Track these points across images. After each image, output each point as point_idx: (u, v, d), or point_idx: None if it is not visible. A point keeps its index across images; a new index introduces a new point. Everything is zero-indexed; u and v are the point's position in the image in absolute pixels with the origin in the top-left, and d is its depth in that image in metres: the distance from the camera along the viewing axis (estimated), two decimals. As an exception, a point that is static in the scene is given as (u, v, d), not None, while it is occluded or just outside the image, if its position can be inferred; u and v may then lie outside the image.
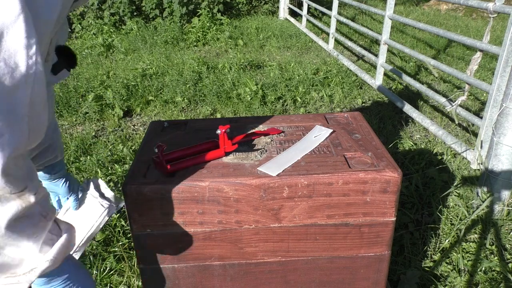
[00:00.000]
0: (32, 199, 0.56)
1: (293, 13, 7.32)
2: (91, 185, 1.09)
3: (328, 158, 0.92)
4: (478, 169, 2.25)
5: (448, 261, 1.77)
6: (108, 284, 1.65)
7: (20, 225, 0.56)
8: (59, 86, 3.71)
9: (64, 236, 0.64)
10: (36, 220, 0.58)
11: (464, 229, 1.87)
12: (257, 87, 3.66)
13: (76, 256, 0.99)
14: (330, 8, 5.26)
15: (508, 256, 1.77)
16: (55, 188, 1.04)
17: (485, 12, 2.58)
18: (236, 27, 6.33)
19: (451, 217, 2.00)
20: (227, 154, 0.94)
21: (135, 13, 6.64)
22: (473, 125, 2.88)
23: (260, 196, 0.85)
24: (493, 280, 1.65)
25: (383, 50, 3.67)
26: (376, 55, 3.88)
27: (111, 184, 2.14)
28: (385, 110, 3.29)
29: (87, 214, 1.05)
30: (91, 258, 1.73)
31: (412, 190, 2.19)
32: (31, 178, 0.57)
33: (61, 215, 1.06)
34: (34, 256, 0.59)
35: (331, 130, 1.03)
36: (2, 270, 0.58)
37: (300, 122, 1.12)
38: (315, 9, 6.40)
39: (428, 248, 1.84)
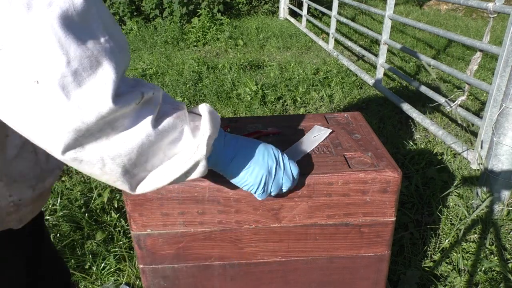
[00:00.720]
0: (155, 100, 0.55)
1: (293, 13, 7.32)
2: None
3: (328, 158, 0.92)
4: (478, 169, 2.25)
5: (448, 261, 1.77)
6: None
7: (162, 122, 0.55)
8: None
9: (204, 109, 0.62)
10: (173, 114, 0.57)
11: (464, 229, 1.87)
12: (257, 87, 3.67)
13: None
14: (330, 8, 5.26)
15: (508, 256, 1.77)
16: None
17: (485, 12, 2.59)
18: (236, 27, 6.33)
19: (451, 217, 2.00)
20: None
21: (135, 13, 6.64)
22: (473, 125, 2.88)
23: (260, 196, 0.85)
24: (493, 280, 1.65)
25: (383, 50, 3.67)
26: (376, 55, 3.88)
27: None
28: (385, 110, 3.29)
29: None
30: (91, 258, 1.73)
31: (412, 190, 2.19)
32: (142, 84, 0.55)
33: None
34: (189, 140, 0.59)
35: (330, 130, 1.03)
36: (177, 166, 0.59)
37: (300, 122, 1.12)
38: (315, 9, 6.40)
39: (428, 248, 1.84)
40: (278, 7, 7.64)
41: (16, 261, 0.78)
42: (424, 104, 3.35)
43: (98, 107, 0.46)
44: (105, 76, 0.46)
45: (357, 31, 5.98)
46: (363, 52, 4.35)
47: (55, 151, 0.48)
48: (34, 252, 0.87)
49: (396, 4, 5.60)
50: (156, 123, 0.54)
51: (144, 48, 5.30)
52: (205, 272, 0.94)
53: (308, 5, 6.34)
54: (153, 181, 0.59)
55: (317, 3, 6.25)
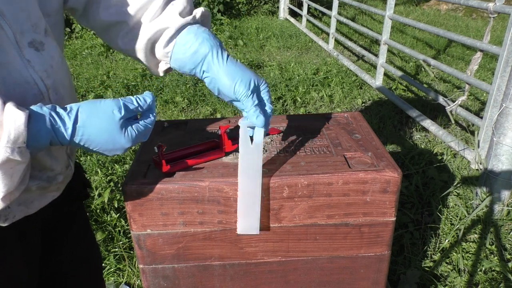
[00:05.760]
0: None
1: (293, 13, 7.32)
2: None
3: (328, 158, 0.92)
4: (478, 169, 2.25)
5: (448, 261, 1.77)
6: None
7: None
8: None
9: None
10: None
11: (464, 229, 1.87)
12: (257, 87, 3.65)
13: None
14: (330, 8, 5.26)
15: (508, 256, 1.77)
16: None
17: (485, 12, 2.59)
18: (236, 27, 6.33)
19: (451, 217, 2.00)
20: (227, 154, 0.94)
21: (135, 13, 6.63)
22: (473, 125, 2.88)
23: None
24: (493, 280, 1.65)
25: (383, 50, 3.67)
26: (376, 55, 3.88)
27: (112, 184, 2.14)
28: (385, 110, 3.29)
29: None
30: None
31: (412, 190, 2.19)
32: None
33: None
34: None
35: (262, 129, 0.81)
36: None
37: (300, 122, 1.12)
38: (315, 9, 6.40)
39: (428, 248, 1.84)
40: (278, 7, 7.64)
41: (15, 256, 0.78)
42: (424, 104, 3.35)
43: None
44: None
45: (357, 31, 5.98)
46: (363, 52, 4.35)
47: None
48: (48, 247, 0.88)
49: (396, 4, 5.60)
50: None
51: (144, 48, 5.29)
52: (205, 272, 0.94)
53: (308, 5, 6.33)
54: None
55: (317, 3, 6.25)
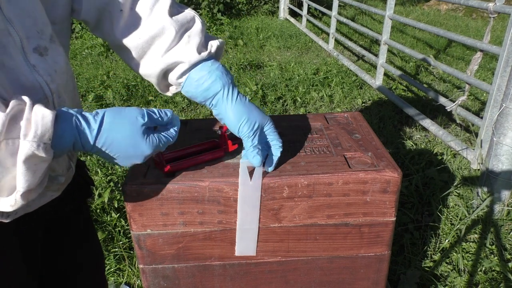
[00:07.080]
0: None
1: (293, 13, 7.32)
2: None
3: (328, 158, 0.92)
4: (478, 169, 2.25)
5: (448, 261, 1.77)
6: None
7: None
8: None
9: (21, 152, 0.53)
10: None
11: (464, 229, 1.87)
12: (257, 87, 3.67)
13: None
14: (330, 8, 5.26)
15: (508, 256, 1.77)
16: None
17: (485, 12, 2.58)
18: (236, 27, 6.33)
19: (451, 217, 2.00)
20: (227, 154, 0.94)
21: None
22: (473, 125, 2.88)
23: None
24: (493, 280, 1.65)
25: (383, 50, 3.67)
26: (376, 55, 3.88)
27: (112, 184, 2.14)
28: (385, 110, 3.29)
29: None
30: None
31: (412, 190, 2.19)
32: None
33: None
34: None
35: (261, 168, 0.84)
36: None
37: (300, 122, 1.12)
38: (315, 9, 6.40)
39: (428, 248, 1.84)
40: (278, 7, 7.64)
41: (13, 255, 0.78)
42: (424, 104, 3.35)
43: None
44: None
45: (357, 31, 5.98)
46: (363, 52, 4.35)
47: None
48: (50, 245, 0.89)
49: (396, 4, 5.60)
50: None
51: (144, 48, 5.29)
52: (205, 272, 0.94)
53: (308, 5, 6.33)
54: None
55: (317, 3, 6.25)
